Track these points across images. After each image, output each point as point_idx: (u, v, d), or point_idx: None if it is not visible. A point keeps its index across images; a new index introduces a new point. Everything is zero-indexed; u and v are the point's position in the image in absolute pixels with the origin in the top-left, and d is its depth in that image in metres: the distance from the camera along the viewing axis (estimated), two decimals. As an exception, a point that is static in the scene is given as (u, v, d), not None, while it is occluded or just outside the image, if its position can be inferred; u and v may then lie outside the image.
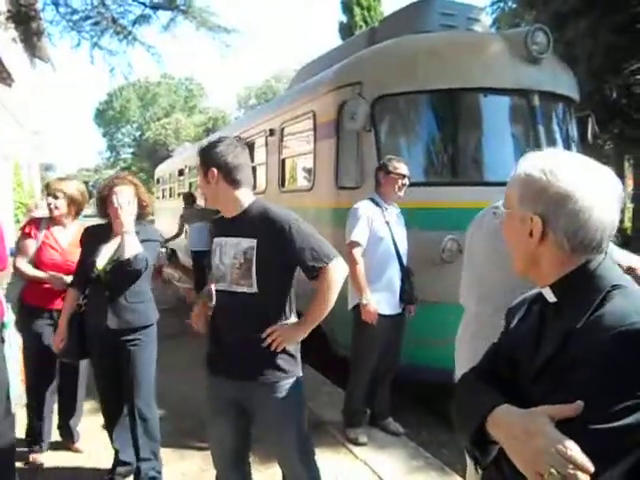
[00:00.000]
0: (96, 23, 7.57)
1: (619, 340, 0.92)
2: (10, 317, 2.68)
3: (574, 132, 4.85)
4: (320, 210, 4.92)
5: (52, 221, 3.30)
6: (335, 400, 4.06)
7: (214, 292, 2.21)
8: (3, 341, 2.58)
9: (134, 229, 2.78)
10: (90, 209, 3.66)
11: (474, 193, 3.90)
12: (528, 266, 1.13)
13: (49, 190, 3.28)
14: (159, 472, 2.94)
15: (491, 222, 2.01)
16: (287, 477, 2.32)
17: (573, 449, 0.86)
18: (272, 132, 6.14)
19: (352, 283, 3.38)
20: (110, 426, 3.02)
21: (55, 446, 3.42)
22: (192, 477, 3.17)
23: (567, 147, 4.60)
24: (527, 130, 4.35)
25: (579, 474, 0.85)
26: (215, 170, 2.10)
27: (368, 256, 3.46)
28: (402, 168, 3.57)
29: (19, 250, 3.22)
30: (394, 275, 3.56)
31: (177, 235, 8.78)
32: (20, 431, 3.18)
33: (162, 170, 15.97)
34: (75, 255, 3.04)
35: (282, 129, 5.98)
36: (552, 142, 4.42)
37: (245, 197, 2.16)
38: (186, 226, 8.61)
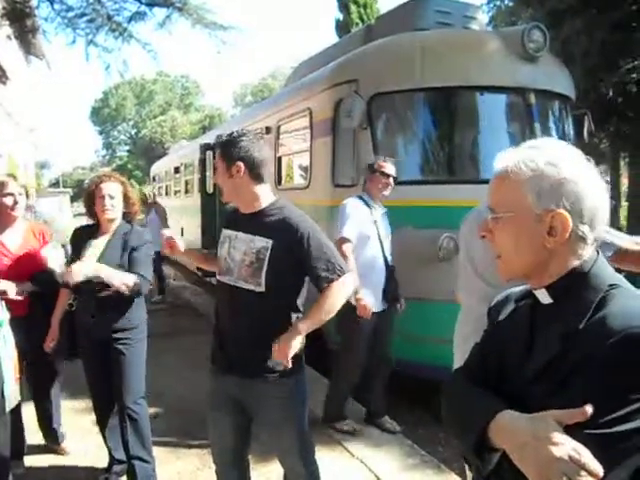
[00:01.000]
0: (91, 20, 7.51)
1: (625, 343, 0.89)
2: (5, 316, 2.66)
3: (570, 130, 4.85)
4: (316, 208, 4.90)
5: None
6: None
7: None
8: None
9: (122, 232, 2.82)
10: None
11: (470, 191, 3.90)
12: (532, 269, 1.06)
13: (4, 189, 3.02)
14: (153, 470, 2.93)
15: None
16: (287, 475, 2.31)
17: (586, 455, 0.83)
18: (268, 130, 6.12)
19: None
20: (102, 424, 3.02)
21: (42, 450, 3.39)
22: (187, 476, 3.16)
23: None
24: (523, 128, 4.35)
25: None
26: (242, 164, 2.07)
27: (356, 254, 3.46)
28: (388, 168, 3.59)
29: None
30: (380, 274, 3.59)
31: None
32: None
33: (158, 168, 15.94)
34: (27, 258, 2.97)
35: (278, 127, 5.97)
36: (548, 140, 4.42)
37: (265, 194, 2.14)
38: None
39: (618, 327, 0.92)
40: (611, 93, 9.60)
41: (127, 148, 56.52)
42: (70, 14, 7.44)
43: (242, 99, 50.96)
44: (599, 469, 0.82)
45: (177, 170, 12.34)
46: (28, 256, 3.04)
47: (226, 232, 2.20)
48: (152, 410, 2.99)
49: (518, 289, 1.20)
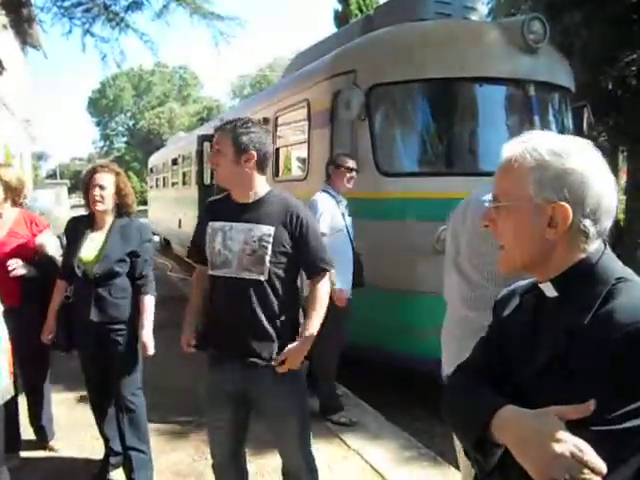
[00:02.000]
0: (87, 10, 7.44)
1: (632, 339, 0.87)
2: (-1, 308, 2.63)
3: (570, 122, 4.83)
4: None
5: None
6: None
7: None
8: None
9: (121, 224, 2.83)
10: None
11: (469, 183, 3.87)
12: (535, 262, 1.04)
13: None
14: (149, 461, 2.93)
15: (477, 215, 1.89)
16: (286, 466, 2.31)
17: (588, 452, 0.82)
18: (266, 121, 6.08)
19: None
20: (99, 416, 3.01)
21: (37, 443, 3.38)
22: (184, 467, 3.16)
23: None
24: (523, 120, 4.32)
25: (594, 478, 0.81)
26: (255, 154, 2.08)
27: (330, 246, 3.48)
28: (350, 162, 3.81)
29: None
30: (350, 261, 3.74)
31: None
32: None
33: (156, 159, 15.88)
34: (13, 244, 2.98)
35: (276, 118, 5.93)
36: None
37: (262, 184, 2.17)
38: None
39: (625, 321, 0.89)
40: (611, 86, 9.57)
41: (125, 139, 56.37)
42: (66, 3, 7.36)
43: (240, 91, 50.82)
44: (602, 466, 0.81)
45: (175, 162, 12.30)
46: (16, 243, 3.01)
47: (216, 224, 2.16)
48: (148, 401, 2.97)
49: (524, 282, 1.17)
